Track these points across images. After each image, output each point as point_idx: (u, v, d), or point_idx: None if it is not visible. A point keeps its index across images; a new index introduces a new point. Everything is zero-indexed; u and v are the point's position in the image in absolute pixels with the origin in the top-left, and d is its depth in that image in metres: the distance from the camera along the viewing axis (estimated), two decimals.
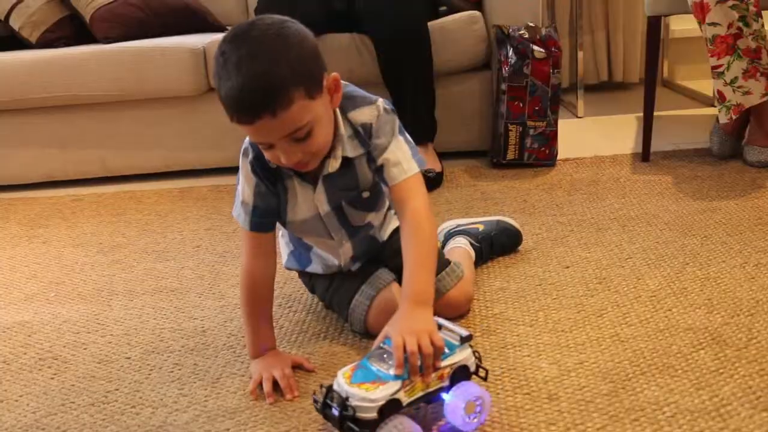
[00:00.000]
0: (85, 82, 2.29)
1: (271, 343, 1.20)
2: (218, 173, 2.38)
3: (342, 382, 0.96)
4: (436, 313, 1.22)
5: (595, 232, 1.66)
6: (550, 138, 2.17)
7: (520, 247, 1.59)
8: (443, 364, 0.99)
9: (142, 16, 2.43)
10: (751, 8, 1.83)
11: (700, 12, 1.88)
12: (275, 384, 1.12)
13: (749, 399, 1.02)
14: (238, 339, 1.30)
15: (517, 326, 1.27)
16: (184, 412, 1.10)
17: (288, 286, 1.50)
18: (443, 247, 1.51)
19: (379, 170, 1.16)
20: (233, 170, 2.47)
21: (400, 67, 2.12)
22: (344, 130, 1.15)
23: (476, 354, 1.04)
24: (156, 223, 1.98)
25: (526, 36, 2.13)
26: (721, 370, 1.09)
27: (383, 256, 1.31)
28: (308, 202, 1.20)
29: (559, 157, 2.21)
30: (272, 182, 1.18)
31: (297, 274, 1.42)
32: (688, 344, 1.17)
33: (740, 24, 1.84)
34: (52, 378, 1.23)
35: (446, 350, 1.00)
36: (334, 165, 1.15)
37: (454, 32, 2.20)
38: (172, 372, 1.22)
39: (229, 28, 2.71)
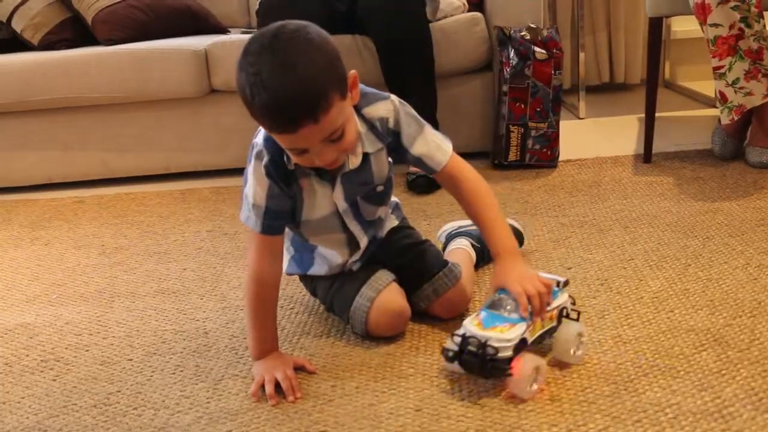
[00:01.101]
0: (87, 84, 2.29)
1: (273, 345, 1.20)
2: (220, 175, 2.38)
3: (474, 330, 1.06)
4: (431, 316, 1.26)
5: (597, 233, 1.66)
6: (551, 139, 2.17)
7: (521, 248, 1.59)
8: (552, 305, 1.11)
9: (144, 18, 2.43)
10: (753, 9, 1.83)
11: (702, 13, 1.88)
12: (277, 386, 1.12)
13: (752, 400, 1.02)
14: (240, 341, 1.30)
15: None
16: (186, 414, 1.10)
17: (290, 287, 1.50)
18: (444, 248, 1.51)
19: (418, 160, 1.21)
20: (235, 172, 2.47)
21: (402, 68, 2.12)
22: (360, 126, 1.16)
23: (571, 298, 1.16)
24: (158, 225, 1.98)
25: (528, 37, 2.13)
26: (723, 372, 1.09)
27: (383, 256, 1.32)
28: (326, 200, 1.21)
29: (560, 159, 2.21)
30: (287, 184, 1.17)
31: (298, 277, 1.42)
32: (690, 345, 1.17)
33: (742, 25, 1.84)
34: (54, 380, 1.23)
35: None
36: (354, 162, 1.17)
37: (455, 34, 2.21)
38: (174, 374, 1.22)
39: (231, 30, 2.73)
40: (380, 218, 1.30)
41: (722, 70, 1.89)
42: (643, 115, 2.19)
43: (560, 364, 1.14)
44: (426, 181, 2.04)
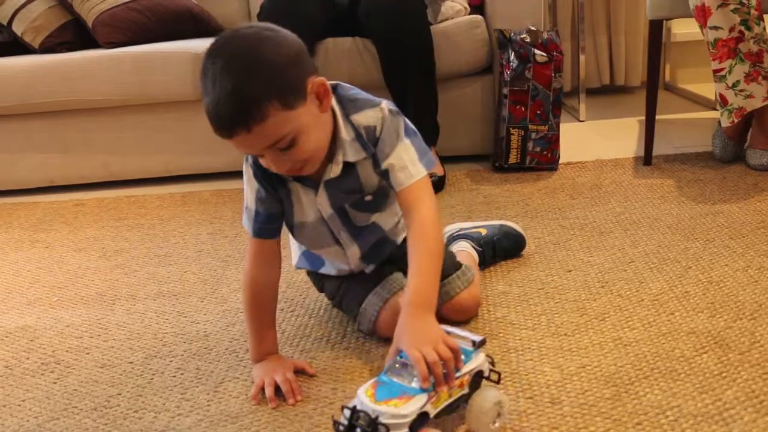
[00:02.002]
0: (88, 87, 2.29)
1: (273, 348, 1.20)
2: (220, 178, 2.38)
3: (366, 401, 0.94)
4: (443, 319, 1.20)
5: (598, 235, 1.66)
6: (552, 142, 2.17)
7: (522, 253, 1.59)
8: (462, 371, 0.99)
9: (144, 21, 2.43)
10: (753, 12, 1.83)
11: (702, 16, 1.88)
12: (277, 388, 1.12)
13: (752, 403, 1.02)
14: (240, 343, 1.30)
15: (519, 330, 1.27)
16: (186, 417, 1.10)
17: (290, 290, 1.50)
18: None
19: (384, 174, 1.15)
20: (235, 175, 2.47)
21: (403, 71, 2.12)
22: (346, 134, 1.13)
23: (489, 358, 1.04)
24: (158, 228, 1.98)
25: (528, 40, 2.13)
26: (724, 374, 1.09)
27: (398, 259, 1.29)
28: (311, 206, 1.19)
29: (561, 161, 2.21)
30: (273, 187, 1.17)
31: (303, 274, 1.42)
32: (690, 348, 1.16)
33: (742, 27, 1.84)
34: (55, 382, 1.23)
35: (462, 356, 0.99)
36: (335, 170, 1.14)
37: (455, 36, 2.21)
38: (174, 376, 1.22)
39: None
40: (375, 224, 1.26)
41: (722, 73, 1.89)
42: (644, 117, 2.19)
43: (562, 368, 1.14)
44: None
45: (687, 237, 1.61)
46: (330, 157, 1.14)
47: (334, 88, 1.14)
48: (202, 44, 2.32)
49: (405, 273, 1.26)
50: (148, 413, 1.12)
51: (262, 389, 1.13)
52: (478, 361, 1.01)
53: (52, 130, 2.38)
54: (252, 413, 1.09)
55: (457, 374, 0.98)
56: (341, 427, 0.95)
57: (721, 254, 1.51)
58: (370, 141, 1.14)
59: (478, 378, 1.01)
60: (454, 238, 1.53)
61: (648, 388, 1.07)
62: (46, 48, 2.44)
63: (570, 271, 1.49)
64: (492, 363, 1.04)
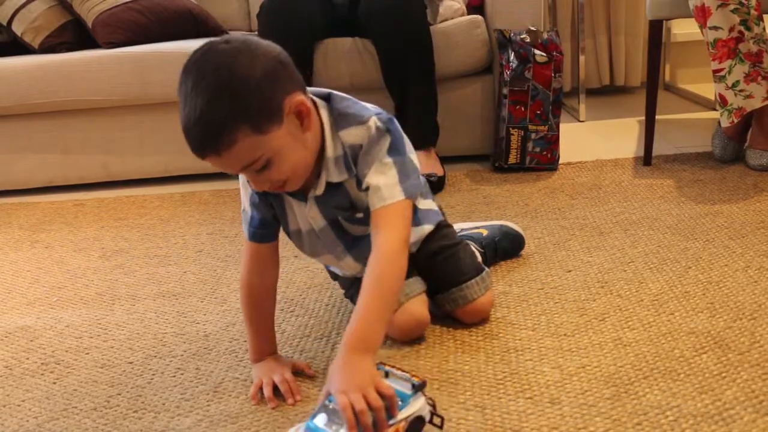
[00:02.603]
0: (88, 87, 2.29)
1: (271, 348, 1.20)
2: (220, 178, 2.38)
3: None
4: (455, 321, 1.18)
5: (597, 236, 1.66)
6: (551, 142, 2.17)
7: (522, 252, 1.59)
8: (398, 417, 0.92)
9: (144, 21, 2.43)
10: (753, 12, 1.83)
11: (702, 16, 1.88)
12: (276, 389, 1.12)
13: (752, 403, 1.02)
14: (240, 343, 1.30)
15: (519, 330, 1.27)
16: (186, 417, 1.10)
17: (290, 289, 1.50)
18: None
19: (366, 191, 1.10)
20: (235, 175, 2.47)
21: (403, 71, 2.12)
22: (332, 151, 1.09)
23: (430, 402, 0.97)
24: (158, 228, 1.98)
25: (528, 40, 2.13)
26: (723, 374, 1.09)
27: (415, 253, 1.26)
28: (303, 217, 1.18)
29: (560, 161, 2.21)
30: (265, 194, 1.16)
31: (304, 274, 1.42)
32: (690, 348, 1.16)
33: (741, 27, 1.84)
34: (54, 383, 1.23)
35: (399, 401, 0.93)
36: (319, 189, 1.12)
37: (455, 36, 2.21)
38: (174, 377, 1.22)
39: (231, 33, 2.73)
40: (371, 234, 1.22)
41: (722, 73, 1.89)
42: (644, 117, 2.19)
43: (562, 368, 1.14)
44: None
45: (687, 237, 1.61)
46: (318, 172, 1.11)
47: (327, 98, 1.11)
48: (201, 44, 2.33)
49: (419, 268, 1.27)
50: (147, 413, 1.12)
51: (261, 389, 1.13)
52: (416, 406, 0.94)
53: (52, 131, 2.38)
54: (252, 413, 1.09)
55: (392, 421, 0.92)
56: None
57: (720, 254, 1.51)
58: (353, 159, 1.10)
59: (417, 424, 0.95)
60: None
61: (648, 389, 1.07)
62: (46, 48, 2.44)
63: (570, 271, 1.49)
64: (433, 407, 0.98)
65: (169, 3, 2.51)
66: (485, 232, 1.54)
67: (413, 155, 1.14)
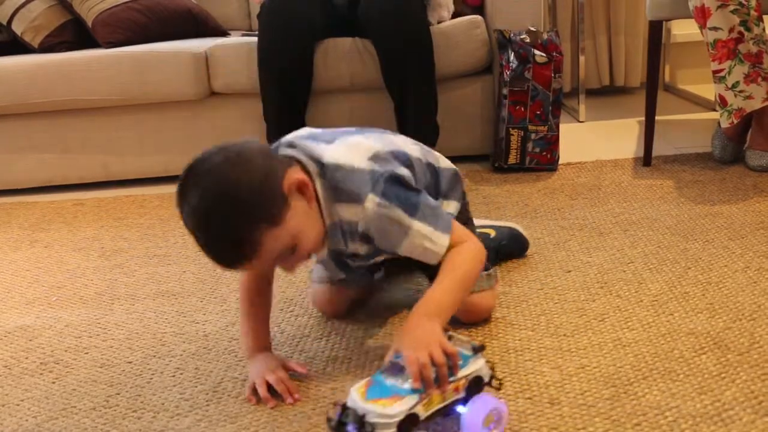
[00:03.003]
0: (87, 87, 2.29)
1: (265, 344, 1.20)
2: None
3: (357, 399, 0.95)
4: (458, 319, 1.20)
5: (597, 236, 1.66)
6: (551, 142, 2.17)
7: (526, 254, 1.59)
8: (458, 375, 0.98)
9: (144, 21, 2.43)
10: (753, 12, 1.83)
11: (702, 16, 1.88)
12: (273, 387, 1.12)
13: (751, 404, 1.02)
14: (239, 343, 1.30)
15: (518, 331, 1.27)
16: (185, 417, 1.10)
17: (290, 289, 1.50)
18: None
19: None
20: None
21: (403, 72, 2.12)
22: (329, 220, 1.10)
23: (490, 364, 1.03)
24: (157, 228, 1.98)
25: (528, 40, 2.13)
26: (723, 375, 1.09)
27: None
28: None
29: (560, 162, 2.21)
30: None
31: (304, 273, 1.43)
32: (689, 349, 1.16)
33: (741, 28, 1.84)
34: (54, 382, 1.23)
35: (460, 361, 0.99)
36: (322, 254, 1.16)
37: (455, 37, 2.21)
38: (173, 376, 1.22)
39: (231, 32, 2.73)
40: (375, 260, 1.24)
41: (722, 74, 1.90)
42: (643, 118, 2.19)
43: (562, 369, 1.14)
44: None
45: (686, 238, 1.61)
46: None
47: (321, 168, 1.08)
48: (202, 44, 2.34)
49: (424, 273, 1.29)
50: (147, 413, 1.12)
51: (255, 390, 1.13)
52: (475, 366, 1.00)
53: (51, 130, 2.38)
54: (251, 413, 1.09)
55: (452, 378, 0.97)
56: (332, 423, 0.96)
57: (720, 255, 1.51)
58: (353, 235, 1.11)
59: (477, 383, 1.00)
60: None
61: (647, 389, 1.07)
62: (46, 47, 2.44)
63: (569, 271, 1.49)
64: (493, 369, 1.03)
65: (169, 2, 2.51)
66: (493, 234, 1.54)
67: (420, 185, 1.15)
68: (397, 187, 1.08)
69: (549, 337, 1.24)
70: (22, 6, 2.46)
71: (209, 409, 1.11)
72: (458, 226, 1.14)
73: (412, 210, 1.08)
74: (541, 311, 1.33)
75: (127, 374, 1.24)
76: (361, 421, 0.92)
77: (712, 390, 1.05)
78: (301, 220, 1.04)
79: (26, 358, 1.32)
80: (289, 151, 1.10)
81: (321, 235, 1.10)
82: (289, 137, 1.15)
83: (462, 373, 0.98)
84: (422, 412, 0.95)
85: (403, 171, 1.11)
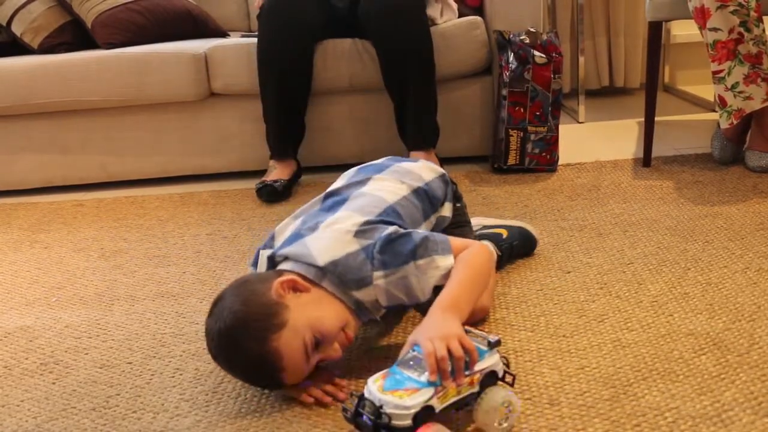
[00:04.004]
0: (87, 88, 2.29)
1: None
2: (219, 179, 2.38)
3: (374, 390, 0.96)
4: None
5: (597, 237, 1.66)
6: (551, 143, 2.17)
7: (533, 252, 1.59)
8: (474, 369, 0.99)
9: (143, 22, 2.43)
10: (753, 13, 1.83)
11: (701, 17, 1.88)
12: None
13: (751, 405, 1.02)
14: None
15: (518, 331, 1.27)
16: (185, 418, 1.10)
17: None
18: None
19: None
20: (234, 176, 2.48)
21: (403, 72, 2.12)
22: (353, 305, 1.14)
23: (504, 359, 1.04)
24: (157, 229, 1.98)
25: (527, 41, 2.13)
26: (722, 376, 1.09)
27: None
28: None
29: (560, 163, 2.21)
30: None
31: None
32: (689, 349, 1.17)
33: (741, 29, 1.84)
34: (54, 383, 1.23)
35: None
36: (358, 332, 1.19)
37: (455, 38, 2.21)
38: (173, 377, 1.22)
39: (230, 34, 2.73)
40: None
41: (721, 74, 1.90)
42: (643, 119, 2.19)
43: (561, 369, 1.14)
44: None
45: (686, 239, 1.61)
46: None
47: (320, 270, 1.12)
48: (201, 45, 2.34)
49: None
50: (146, 413, 1.12)
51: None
52: (491, 361, 1.01)
53: (51, 131, 2.38)
54: (250, 414, 1.09)
55: (467, 372, 0.98)
56: (348, 414, 0.98)
57: (720, 256, 1.51)
58: (379, 308, 1.16)
59: (491, 378, 1.01)
60: (476, 237, 1.52)
61: (646, 390, 1.07)
62: (45, 48, 2.44)
63: (569, 272, 1.49)
64: (507, 365, 1.04)
65: (168, 4, 2.51)
66: (505, 234, 1.54)
67: (414, 222, 1.24)
68: (390, 249, 1.13)
69: (548, 338, 1.24)
70: (22, 7, 2.46)
71: (209, 410, 1.11)
72: (456, 241, 1.18)
73: (411, 256, 1.13)
74: (541, 312, 1.33)
75: (126, 375, 1.24)
76: (377, 412, 0.94)
77: (711, 391, 1.05)
78: (309, 309, 1.08)
79: (26, 358, 1.32)
80: (286, 266, 1.15)
81: (343, 310, 1.12)
82: (279, 247, 1.19)
83: (477, 367, 0.99)
84: (438, 405, 0.96)
85: (390, 229, 1.15)
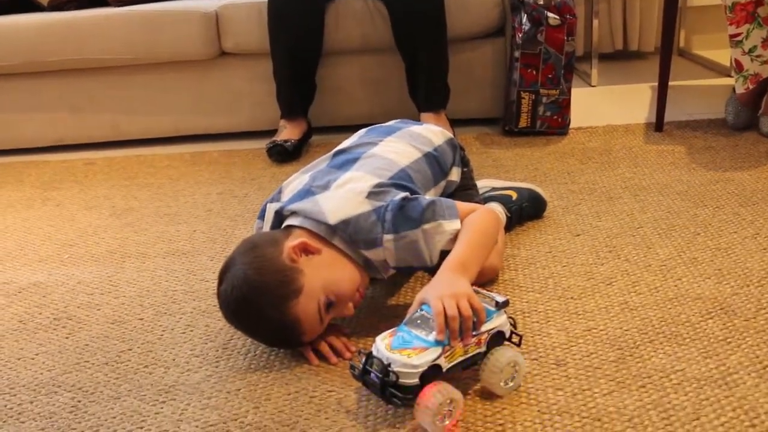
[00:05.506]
0: (97, 46, 2.28)
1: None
2: (230, 138, 2.38)
3: (382, 349, 0.96)
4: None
5: (607, 200, 1.66)
6: (562, 106, 2.16)
7: (543, 215, 1.59)
8: (481, 330, 0.99)
9: None
10: None
11: None
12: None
13: (756, 368, 1.02)
14: None
15: (526, 293, 1.27)
16: (195, 372, 1.12)
17: None
18: None
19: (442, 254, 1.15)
20: (245, 135, 2.47)
21: (415, 33, 2.10)
22: (359, 260, 1.15)
23: (511, 320, 1.04)
24: (168, 187, 1.99)
25: (541, 2, 2.10)
26: (728, 340, 1.09)
27: None
28: None
29: (571, 126, 2.20)
30: None
31: None
32: (696, 313, 1.17)
33: None
34: (67, 337, 1.25)
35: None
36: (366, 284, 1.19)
37: None
38: (184, 333, 1.23)
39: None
40: None
41: (739, 38, 1.87)
42: (656, 83, 2.17)
43: (568, 331, 1.15)
44: None
45: (696, 204, 1.61)
46: None
47: (331, 228, 1.13)
48: (212, 3, 2.32)
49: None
50: (158, 368, 1.14)
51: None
52: (498, 321, 1.01)
53: (62, 89, 2.38)
54: (259, 370, 1.11)
55: (475, 333, 0.98)
56: (356, 371, 0.99)
57: (730, 221, 1.50)
58: (387, 267, 1.17)
59: (498, 338, 1.01)
60: (486, 199, 1.52)
61: (653, 352, 1.08)
62: (55, 6, 2.42)
63: (578, 235, 1.49)
64: (514, 326, 1.04)
65: None
66: (515, 195, 1.54)
67: (425, 185, 1.25)
68: (401, 213, 1.13)
69: (556, 299, 1.24)
70: None
71: (219, 365, 1.13)
72: (463, 205, 1.19)
73: (419, 221, 1.13)
74: (549, 274, 1.34)
75: (138, 330, 1.25)
76: (385, 370, 0.94)
77: (717, 354, 1.06)
78: (322, 272, 1.09)
79: (40, 313, 1.34)
80: (294, 221, 1.15)
81: (355, 271, 1.14)
82: (287, 202, 1.19)
83: (484, 327, 0.99)
84: (445, 364, 0.96)
85: (402, 194, 1.16)
